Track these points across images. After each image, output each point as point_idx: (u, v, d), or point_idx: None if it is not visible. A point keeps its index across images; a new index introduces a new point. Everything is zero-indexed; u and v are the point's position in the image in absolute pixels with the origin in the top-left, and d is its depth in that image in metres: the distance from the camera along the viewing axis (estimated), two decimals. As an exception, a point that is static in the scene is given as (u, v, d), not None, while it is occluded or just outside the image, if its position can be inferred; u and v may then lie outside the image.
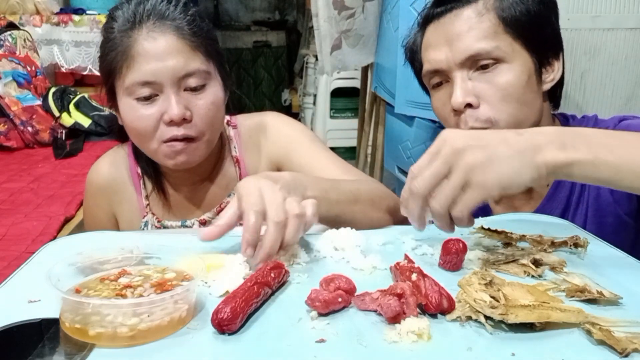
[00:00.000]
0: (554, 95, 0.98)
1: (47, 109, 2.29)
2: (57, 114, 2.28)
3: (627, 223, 0.90)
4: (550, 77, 0.93)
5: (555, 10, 0.95)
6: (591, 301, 0.59)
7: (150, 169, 1.02)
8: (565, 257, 0.70)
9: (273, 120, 1.06)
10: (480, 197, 0.64)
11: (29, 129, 2.17)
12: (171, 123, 0.88)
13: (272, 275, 0.60)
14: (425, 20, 0.97)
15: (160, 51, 0.87)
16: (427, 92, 1.04)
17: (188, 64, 0.88)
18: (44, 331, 0.53)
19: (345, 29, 2.18)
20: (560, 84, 0.96)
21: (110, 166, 1.06)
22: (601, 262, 0.70)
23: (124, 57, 0.88)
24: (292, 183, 0.73)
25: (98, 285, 0.58)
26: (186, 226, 1.03)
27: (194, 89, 0.90)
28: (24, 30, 2.44)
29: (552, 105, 0.98)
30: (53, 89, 2.35)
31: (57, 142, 2.18)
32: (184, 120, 0.89)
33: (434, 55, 0.93)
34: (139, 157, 1.02)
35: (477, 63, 0.89)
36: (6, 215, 1.42)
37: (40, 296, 0.59)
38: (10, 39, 2.31)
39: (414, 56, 1.04)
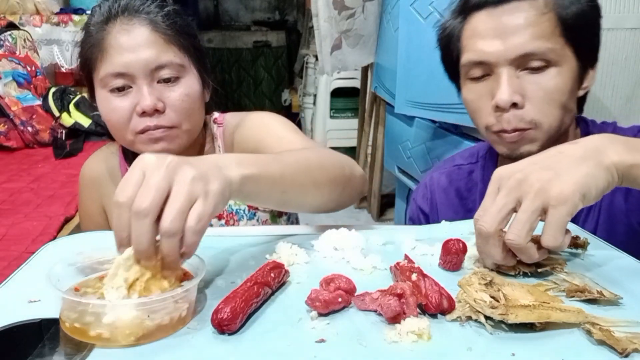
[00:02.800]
0: (581, 102, 0.96)
1: (47, 109, 2.29)
2: (57, 114, 2.28)
3: (638, 233, 0.88)
4: (585, 85, 0.92)
5: (600, 18, 0.91)
6: (591, 301, 0.59)
7: None
8: (565, 257, 0.70)
9: (253, 115, 1.04)
10: (566, 211, 0.58)
11: (29, 129, 2.17)
12: (143, 114, 0.89)
13: (272, 275, 0.60)
14: (473, 6, 0.90)
15: (132, 43, 0.88)
16: (453, 81, 1.01)
17: (160, 56, 0.89)
18: (44, 331, 0.53)
19: (346, 29, 2.19)
20: (587, 91, 0.94)
21: (102, 160, 1.08)
22: (601, 262, 0.70)
23: (98, 50, 0.89)
24: (208, 169, 0.57)
25: (97, 284, 0.58)
26: None
27: (167, 81, 0.90)
28: (24, 30, 2.44)
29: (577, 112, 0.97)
30: (53, 89, 2.35)
31: (57, 142, 2.18)
32: (157, 112, 0.89)
33: (482, 46, 0.88)
34: (127, 153, 1.03)
35: (527, 62, 0.86)
36: (6, 215, 1.42)
37: (40, 296, 0.59)
38: (10, 39, 2.31)
39: (448, 42, 0.97)
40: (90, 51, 0.91)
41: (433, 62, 1.79)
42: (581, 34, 0.87)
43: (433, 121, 1.89)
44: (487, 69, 0.89)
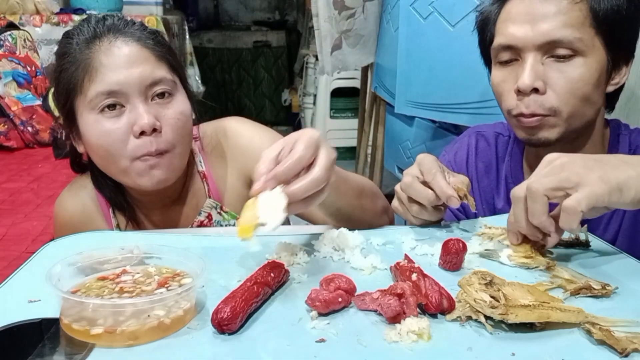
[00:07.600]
0: (612, 98, 0.96)
1: (47, 109, 2.29)
2: (57, 114, 2.28)
3: None
4: (616, 81, 0.92)
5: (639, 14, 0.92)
6: (592, 299, 0.59)
7: (119, 197, 0.95)
8: (565, 257, 0.70)
9: (236, 127, 1.00)
10: (583, 195, 0.62)
11: (29, 129, 2.17)
12: (142, 134, 0.83)
13: (272, 275, 0.60)
14: None
15: (124, 59, 0.83)
16: (487, 65, 1.02)
17: (154, 72, 0.85)
18: (44, 331, 0.53)
19: (346, 29, 2.19)
20: (620, 88, 0.94)
21: (77, 199, 0.99)
22: (601, 261, 0.70)
23: (85, 70, 0.83)
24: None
25: (96, 283, 0.58)
26: None
27: (162, 98, 0.86)
28: (24, 30, 2.44)
29: (607, 109, 0.97)
30: (53, 89, 2.35)
31: (57, 142, 2.17)
32: (154, 131, 0.84)
33: (512, 31, 0.90)
34: (102, 187, 0.96)
35: (554, 50, 0.87)
36: (6, 215, 1.43)
37: (40, 296, 0.59)
38: (10, 39, 2.31)
39: (485, 26, 1.00)
40: (74, 73, 0.84)
41: (433, 62, 1.81)
42: (613, 27, 0.87)
43: (433, 121, 1.89)
44: (515, 54, 0.91)
